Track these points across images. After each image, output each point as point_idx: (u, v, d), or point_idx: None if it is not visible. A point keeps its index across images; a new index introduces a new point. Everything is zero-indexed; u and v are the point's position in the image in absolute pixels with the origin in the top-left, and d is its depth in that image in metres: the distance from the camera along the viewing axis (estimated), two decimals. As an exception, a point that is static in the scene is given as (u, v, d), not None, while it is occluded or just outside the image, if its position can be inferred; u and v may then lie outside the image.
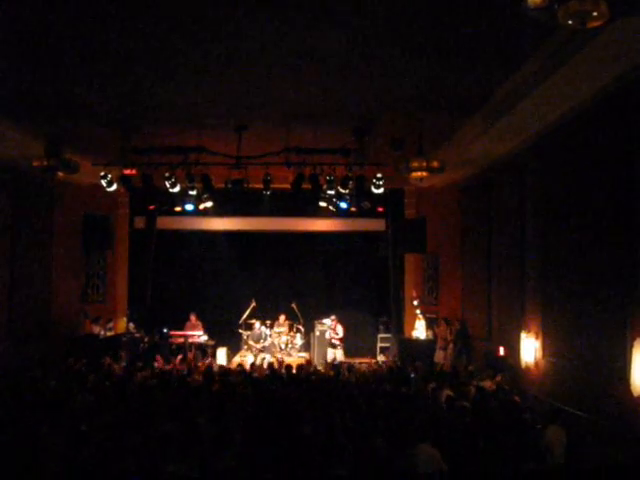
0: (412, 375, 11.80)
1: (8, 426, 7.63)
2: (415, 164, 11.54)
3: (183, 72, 9.44)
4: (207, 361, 15.17)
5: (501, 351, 12.83)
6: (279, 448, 6.82)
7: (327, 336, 16.76)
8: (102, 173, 12.74)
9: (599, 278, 9.19)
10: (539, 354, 11.15)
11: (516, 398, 9.82)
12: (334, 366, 12.77)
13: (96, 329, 15.32)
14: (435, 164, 11.54)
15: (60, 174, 12.17)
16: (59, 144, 11.76)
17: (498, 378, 11.19)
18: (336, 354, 16.36)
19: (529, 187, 11.85)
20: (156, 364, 13.67)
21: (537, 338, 11.22)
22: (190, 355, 15.71)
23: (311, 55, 8.60)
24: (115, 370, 11.89)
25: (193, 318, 16.97)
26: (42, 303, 14.91)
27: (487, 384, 10.78)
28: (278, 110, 11.17)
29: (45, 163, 11.60)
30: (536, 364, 11.21)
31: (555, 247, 10.75)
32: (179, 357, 14.31)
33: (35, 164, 11.63)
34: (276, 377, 11.29)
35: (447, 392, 9.76)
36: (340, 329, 16.78)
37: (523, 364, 11.58)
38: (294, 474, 6.34)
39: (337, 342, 16.67)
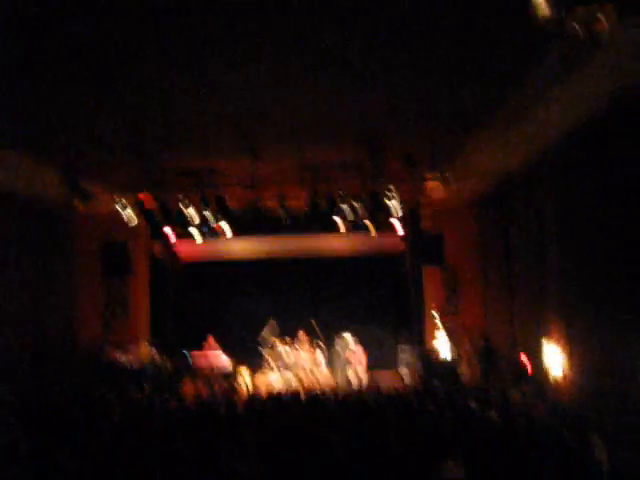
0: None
1: (33, 454, 7.66)
2: (429, 176, 11.54)
3: (194, 96, 9.44)
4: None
5: (526, 363, 12.71)
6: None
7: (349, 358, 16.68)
8: (117, 199, 12.80)
9: (624, 289, 9.07)
10: (565, 365, 11.03)
11: (541, 408, 9.72)
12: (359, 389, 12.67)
13: (119, 356, 15.36)
14: (448, 176, 11.52)
15: (77, 203, 12.21)
16: (75, 174, 11.80)
17: (523, 389, 11.09)
18: (357, 371, 16.21)
19: (545, 197, 11.78)
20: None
21: (563, 349, 11.10)
22: (215, 384, 15.69)
23: (321, 72, 8.61)
24: (140, 400, 11.86)
25: (211, 340, 17.14)
26: (66, 332, 14.97)
27: (513, 396, 10.68)
28: (290, 128, 11.17)
29: (60, 194, 11.63)
30: (563, 375, 11.09)
31: (576, 256, 10.66)
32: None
33: (50, 195, 11.67)
34: (299, 401, 11.23)
35: (473, 405, 9.68)
36: (363, 357, 16.74)
37: (548, 376, 11.47)
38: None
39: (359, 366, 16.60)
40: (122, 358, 15.29)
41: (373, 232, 16.20)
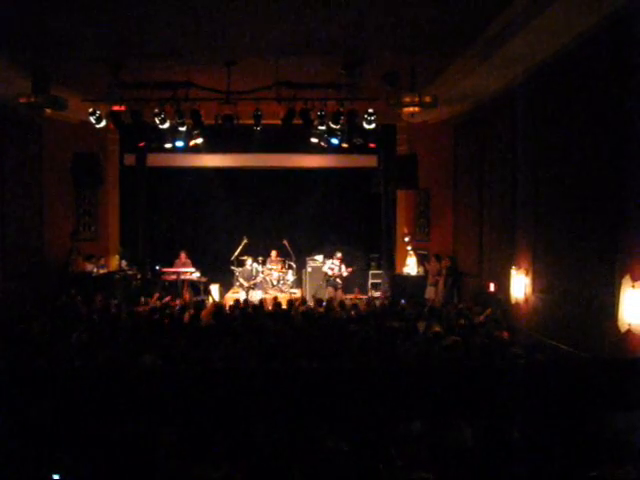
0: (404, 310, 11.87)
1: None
2: (407, 99, 11.35)
3: (170, 5, 9.20)
4: (200, 298, 15.33)
5: (491, 287, 12.96)
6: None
7: (329, 272, 16.79)
8: (90, 110, 12.59)
9: (589, 215, 9.23)
10: (529, 290, 11.26)
11: (505, 333, 9.93)
12: (325, 302, 12.77)
13: (89, 267, 15.36)
14: (427, 99, 11.37)
15: (48, 111, 11.94)
16: (46, 80, 11.49)
17: (488, 311, 11.31)
18: (336, 295, 16.36)
19: (521, 123, 11.76)
20: (150, 301, 13.75)
21: (527, 274, 11.31)
22: (184, 292, 15.86)
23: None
24: (110, 307, 11.94)
25: (183, 256, 17.16)
26: (34, 242, 14.86)
27: (477, 319, 10.89)
28: (267, 44, 10.92)
29: (32, 100, 11.29)
30: (525, 300, 11.34)
31: (546, 184, 10.76)
32: (168, 297, 14.37)
33: (22, 101, 11.36)
34: (268, 313, 11.40)
35: (436, 328, 9.84)
36: (344, 269, 16.84)
37: (513, 300, 11.72)
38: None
39: (339, 282, 16.72)
40: (92, 268, 15.30)
41: (348, 153, 16.23)
